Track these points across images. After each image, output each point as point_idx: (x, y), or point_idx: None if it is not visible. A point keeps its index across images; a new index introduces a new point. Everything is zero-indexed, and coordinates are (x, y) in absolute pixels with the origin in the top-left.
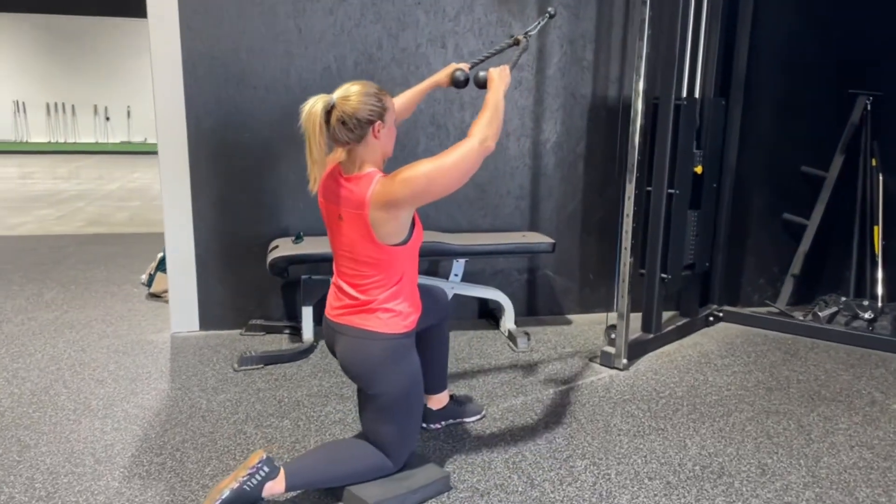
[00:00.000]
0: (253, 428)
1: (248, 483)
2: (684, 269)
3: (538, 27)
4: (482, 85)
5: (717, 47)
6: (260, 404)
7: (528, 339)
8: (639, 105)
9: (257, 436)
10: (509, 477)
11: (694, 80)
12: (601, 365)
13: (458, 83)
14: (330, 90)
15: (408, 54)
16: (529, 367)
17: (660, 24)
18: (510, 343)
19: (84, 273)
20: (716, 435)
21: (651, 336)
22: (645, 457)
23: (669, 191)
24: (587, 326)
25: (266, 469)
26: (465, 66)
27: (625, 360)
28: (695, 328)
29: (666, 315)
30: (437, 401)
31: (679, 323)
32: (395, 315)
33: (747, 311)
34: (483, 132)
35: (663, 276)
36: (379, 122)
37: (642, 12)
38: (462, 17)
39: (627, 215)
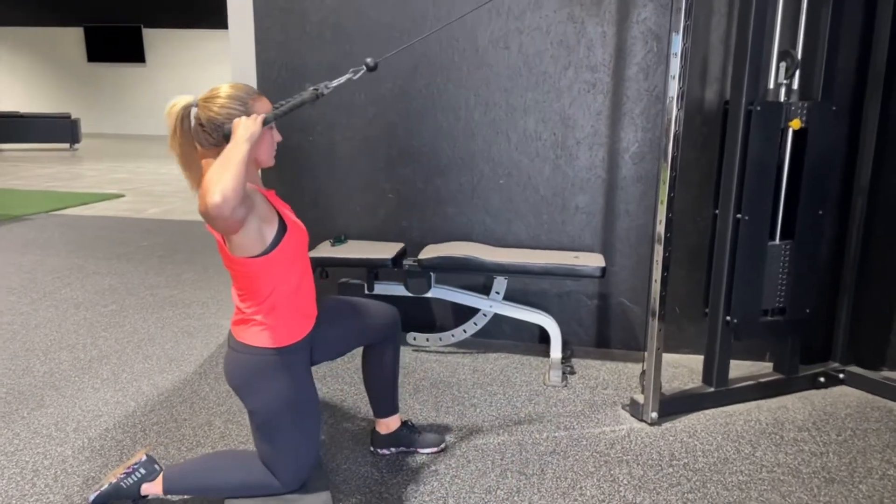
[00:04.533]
0: (223, 422)
1: (125, 481)
2: (768, 313)
3: (345, 80)
4: (228, 137)
5: (832, 36)
6: None
7: (566, 375)
8: (672, 111)
9: (222, 429)
10: None
11: (791, 79)
12: (630, 415)
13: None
14: (386, 93)
15: (467, 56)
16: (545, 405)
17: (731, 10)
18: (546, 374)
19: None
20: None
21: (710, 390)
22: None
23: (737, 216)
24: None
25: (143, 471)
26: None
27: (653, 414)
28: (791, 388)
29: (752, 367)
30: (384, 425)
31: (765, 379)
32: (265, 329)
33: (881, 375)
34: (208, 191)
35: (728, 318)
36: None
37: None
38: (528, 15)
39: (658, 242)
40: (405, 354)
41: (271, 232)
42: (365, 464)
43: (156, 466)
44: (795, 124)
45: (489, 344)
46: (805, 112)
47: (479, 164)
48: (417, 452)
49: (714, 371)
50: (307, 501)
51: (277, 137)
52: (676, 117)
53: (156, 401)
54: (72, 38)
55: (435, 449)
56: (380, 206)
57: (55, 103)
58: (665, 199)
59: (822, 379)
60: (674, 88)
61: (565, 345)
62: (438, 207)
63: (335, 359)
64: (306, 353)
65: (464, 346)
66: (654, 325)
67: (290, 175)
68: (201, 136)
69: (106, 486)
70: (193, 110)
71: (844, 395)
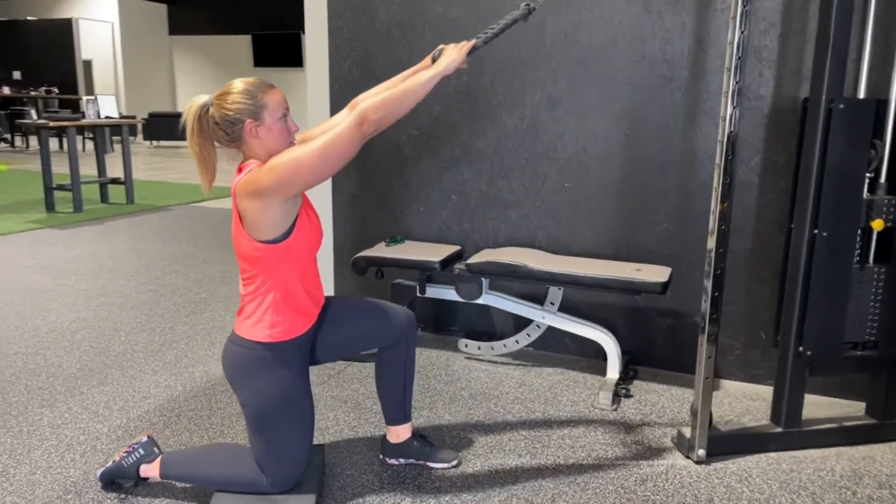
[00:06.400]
0: (220, 418)
1: (126, 460)
2: (857, 346)
3: None
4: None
5: None
6: None
7: (619, 398)
8: (727, 108)
9: (219, 423)
10: None
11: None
12: (677, 450)
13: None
14: (451, 91)
15: (533, 50)
16: (584, 428)
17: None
18: (596, 395)
19: None
20: None
21: (778, 430)
22: None
23: (814, 231)
24: (734, 399)
25: (142, 451)
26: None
27: (700, 451)
28: (883, 436)
29: (848, 408)
30: (394, 434)
31: (852, 423)
32: (260, 322)
33: None
34: (366, 112)
35: (800, 349)
36: (250, 120)
37: None
38: (599, 7)
39: (709, 256)
40: (455, 361)
41: (290, 221)
42: (369, 472)
43: (155, 449)
44: None
45: (548, 357)
46: None
47: (543, 165)
48: (427, 466)
49: (783, 408)
50: (291, 503)
51: (293, 127)
52: (731, 116)
53: (200, 388)
54: (240, 45)
55: (446, 465)
56: (443, 207)
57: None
58: (717, 208)
59: None
60: (728, 83)
61: (629, 365)
62: (501, 211)
63: (341, 360)
64: (303, 351)
65: (520, 357)
66: (703, 350)
67: (358, 174)
68: (218, 133)
69: (110, 463)
70: (210, 109)
71: None
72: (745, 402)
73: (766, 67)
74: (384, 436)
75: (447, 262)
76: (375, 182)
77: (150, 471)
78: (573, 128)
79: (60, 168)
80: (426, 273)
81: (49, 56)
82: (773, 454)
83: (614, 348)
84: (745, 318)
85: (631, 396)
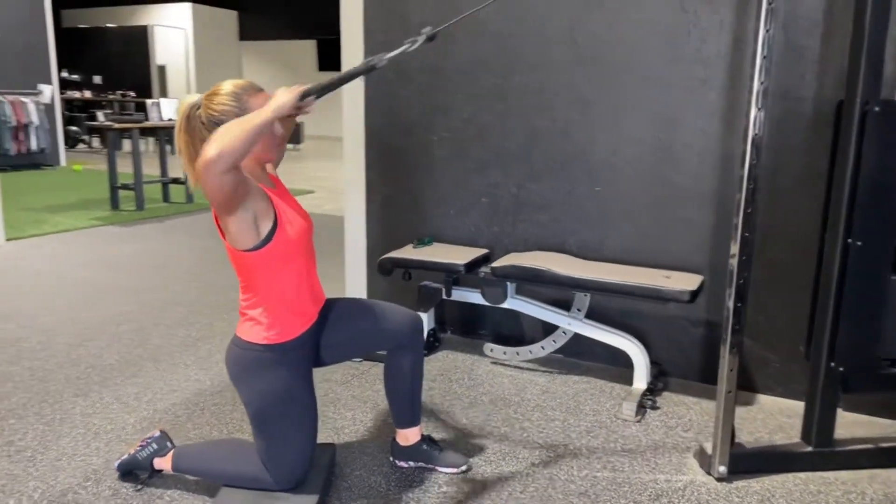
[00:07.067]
0: (241, 413)
1: (140, 453)
2: (895, 363)
3: (401, 52)
4: None
5: None
6: None
7: (644, 409)
8: (751, 111)
9: (239, 418)
10: None
11: None
12: (699, 466)
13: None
14: (482, 92)
15: (564, 51)
16: (604, 439)
17: None
18: (620, 406)
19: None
20: None
21: (808, 449)
22: None
23: (847, 240)
24: (768, 415)
25: (155, 445)
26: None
27: (721, 468)
28: None
29: (891, 427)
30: (403, 436)
31: (889, 444)
32: (257, 324)
33: None
34: (209, 144)
35: (832, 364)
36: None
37: None
38: (633, 6)
39: (732, 271)
40: (479, 366)
41: (266, 227)
42: (378, 473)
43: (167, 443)
44: None
45: (575, 365)
46: None
47: (574, 168)
48: (436, 470)
49: (813, 426)
50: (293, 502)
51: (279, 131)
52: (755, 118)
53: (227, 383)
54: (306, 50)
55: (455, 469)
56: (472, 209)
57: None
58: (741, 214)
59: None
60: (753, 83)
61: (658, 376)
62: (531, 214)
63: (345, 361)
64: (303, 352)
65: (548, 363)
66: (725, 362)
67: (390, 175)
68: (203, 133)
69: (126, 455)
70: (198, 109)
71: None
72: (779, 418)
73: (807, 68)
74: (393, 438)
75: (473, 266)
76: (407, 184)
77: (163, 464)
78: (604, 130)
79: (127, 168)
80: (452, 276)
81: (126, 61)
82: (801, 474)
83: (641, 358)
84: (783, 331)
85: (657, 408)
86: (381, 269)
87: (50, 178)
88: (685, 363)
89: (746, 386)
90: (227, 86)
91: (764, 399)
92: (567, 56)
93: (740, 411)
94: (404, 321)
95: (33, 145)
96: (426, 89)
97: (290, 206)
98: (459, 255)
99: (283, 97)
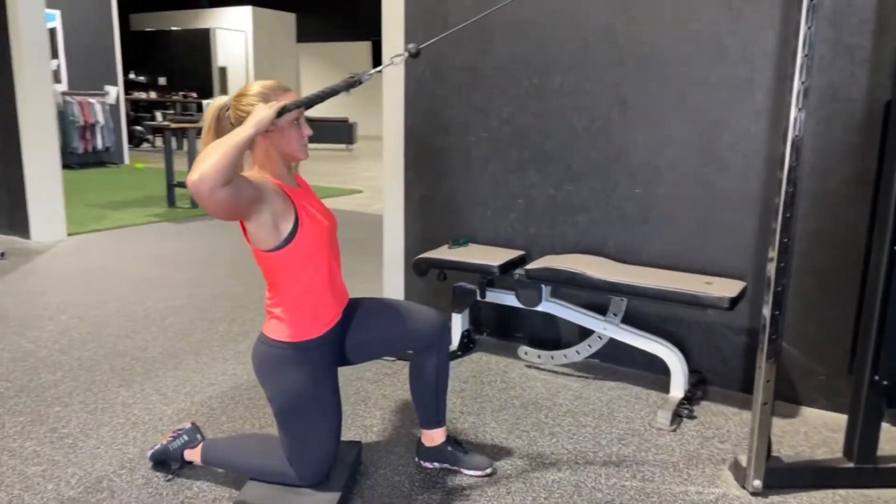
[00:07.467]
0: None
1: (172, 444)
2: None
3: (384, 68)
4: None
5: None
6: None
7: (679, 419)
8: (791, 111)
9: (265, 413)
10: None
11: None
12: (734, 479)
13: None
14: (521, 92)
15: (604, 51)
16: (636, 448)
17: None
18: (655, 414)
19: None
20: None
21: (849, 465)
22: None
23: (894, 248)
24: (812, 428)
25: (185, 437)
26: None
27: (756, 483)
28: None
29: None
30: (428, 437)
31: None
32: (280, 322)
33: None
34: (193, 168)
35: (875, 378)
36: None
37: None
38: (675, 4)
39: (769, 278)
40: (513, 369)
41: (287, 228)
42: (402, 473)
43: (198, 436)
44: None
45: (612, 371)
46: None
47: (613, 170)
48: (461, 472)
49: (855, 442)
50: (315, 498)
51: (307, 131)
52: (795, 119)
53: (237, 381)
54: (361, 51)
55: (480, 472)
56: (510, 211)
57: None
58: (780, 218)
59: None
60: (794, 83)
61: (698, 385)
62: (569, 216)
63: (372, 360)
64: (326, 350)
65: (582, 368)
66: (762, 373)
67: (428, 176)
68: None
69: (158, 446)
70: (228, 110)
71: None
72: (823, 432)
73: (858, 67)
74: (419, 439)
75: (507, 267)
76: (444, 184)
77: (193, 455)
78: (645, 131)
79: (185, 167)
80: (486, 277)
81: (190, 63)
82: (840, 491)
83: (679, 365)
84: (830, 341)
85: (694, 417)
86: (416, 270)
87: (113, 175)
88: (726, 372)
89: (790, 397)
90: (256, 86)
91: (808, 412)
92: (607, 55)
93: (782, 424)
94: (430, 321)
95: (99, 144)
96: (464, 89)
97: (312, 207)
98: (494, 257)
99: (261, 112)
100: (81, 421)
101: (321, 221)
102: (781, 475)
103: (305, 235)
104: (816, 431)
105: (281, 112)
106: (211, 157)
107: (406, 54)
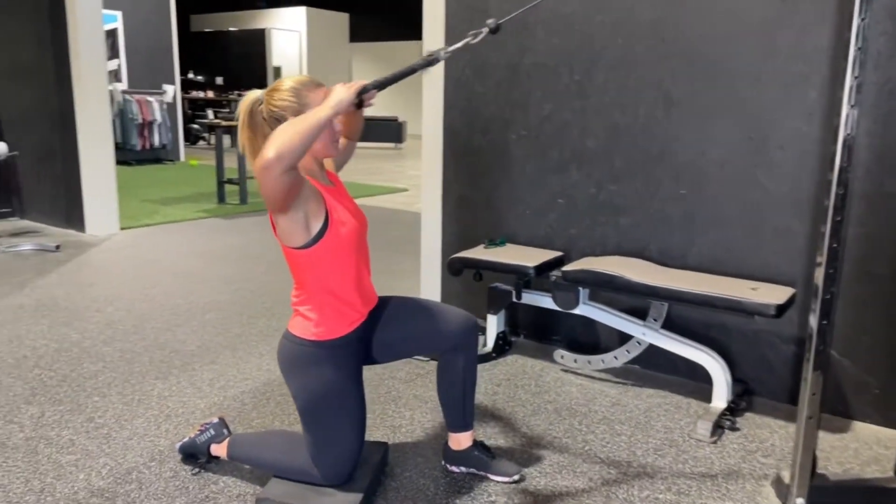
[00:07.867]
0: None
1: (199, 438)
2: None
3: (463, 44)
4: None
5: None
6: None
7: (721, 430)
8: (843, 108)
9: (294, 410)
10: None
11: None
12: (776, 495)
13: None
14: (562, 88)
15: (649, 46)
16: (673, 459)
17: None
18: (695, 424)
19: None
20: None
21: None
22: None
23: None
24: (863, 444)
25: (212, 431)
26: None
27: (799, 501)
28: None
29: None
30: (455, 441)
31: None
32: (306, 320)
33: None
34: (268, 145)
35: None
36: (292, 118)
37: None
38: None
39: (817, 286)
40: (549, 373)
41: (317, 226)
42: (427, 476)
43: (224, 431)
44: None
45: (652, 377)
46: None
47: (657, 170)
48: (488, 478)
49: None
50: (338, 498)
51: (337, 127)
52: (846, 117)
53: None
54: (412, 51)
55: (507, 479)
56: (549, 210)
57: (390, 107)
58: (829, 222)
59: None
60: (847, 79)
61: (742, 395)
62: (610, 217)
63: (399, 360)
64: (351, 350)
65: (621, 374)
66: (807, 385)
67: (467, 174)
68: (265, 129)
69: (186, 438)
70: (260, 104)
71: None
72: (875, 449)
73: None
74: (445, 442)
75: (544, 268)
76: (483, 183)
77: (220, 450)
78: (691, 129)
79: (235, 164)
80: (522, 278)
81: (246, 63)
82: None
83: (721, 373)
84: (884, 353)
85: (737, 429)
86: (451, 269)
87: (168, 172)
88: (774, 383)
89: (841, 411)
90: (288, 82)
91: (860, 427)
92: (652, 51)
93: (831, 439)
94: (458, 322)
95: (156, 141)
96: (504, 86)
97: (344, 206)
98: (531, 257)
99: (341, 93)
100: (118, 412)
101: (352, 222)
102: (827, 493)
103: (335, 235)
104: (867, 448)
105: (361, 92)
106: (287, 137)
107: (486, 30)
